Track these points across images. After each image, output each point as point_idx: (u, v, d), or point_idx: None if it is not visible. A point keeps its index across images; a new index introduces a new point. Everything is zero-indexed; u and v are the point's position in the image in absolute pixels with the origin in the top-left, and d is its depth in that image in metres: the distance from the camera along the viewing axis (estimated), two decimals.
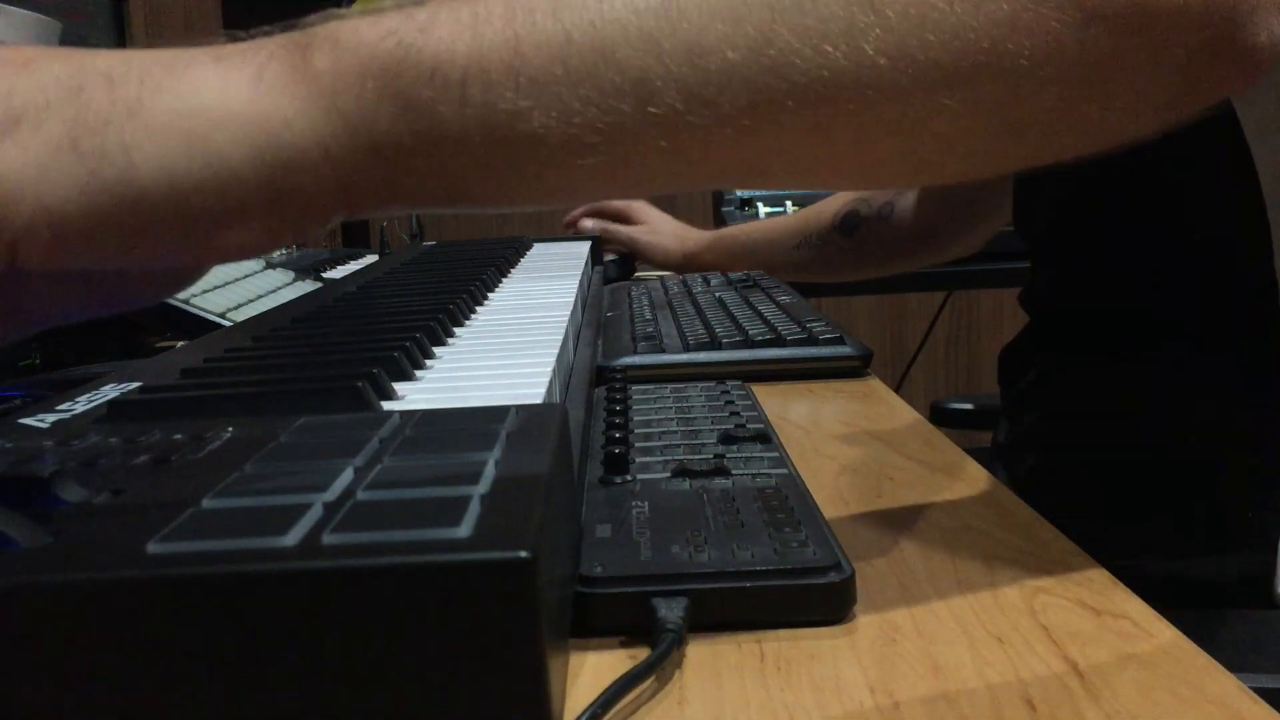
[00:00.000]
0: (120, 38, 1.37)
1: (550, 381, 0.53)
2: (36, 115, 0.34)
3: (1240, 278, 0.73)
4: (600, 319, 0.95)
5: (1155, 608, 0.39)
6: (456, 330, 0.70)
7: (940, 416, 1.50)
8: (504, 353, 0.62)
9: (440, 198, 0.38)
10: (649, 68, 0.36)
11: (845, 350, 0.80)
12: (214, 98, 0.35)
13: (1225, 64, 0.39)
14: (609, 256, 1.32)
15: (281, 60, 0.36)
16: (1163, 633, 0.37)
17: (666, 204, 2.67)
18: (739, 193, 1.74)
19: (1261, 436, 0.73)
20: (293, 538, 0.29)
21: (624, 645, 0.38)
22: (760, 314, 0.90)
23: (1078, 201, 0.84)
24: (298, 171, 0.36)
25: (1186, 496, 0.76)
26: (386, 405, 0.50)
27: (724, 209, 1.72)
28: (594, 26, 0.36)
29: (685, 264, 1.33)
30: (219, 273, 1.08)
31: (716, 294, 1.04)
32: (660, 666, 0.35)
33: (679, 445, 0.54)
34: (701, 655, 0.37)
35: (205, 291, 0.99)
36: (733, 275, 1.16)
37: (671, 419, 0.60)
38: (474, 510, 0.31)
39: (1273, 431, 0.73)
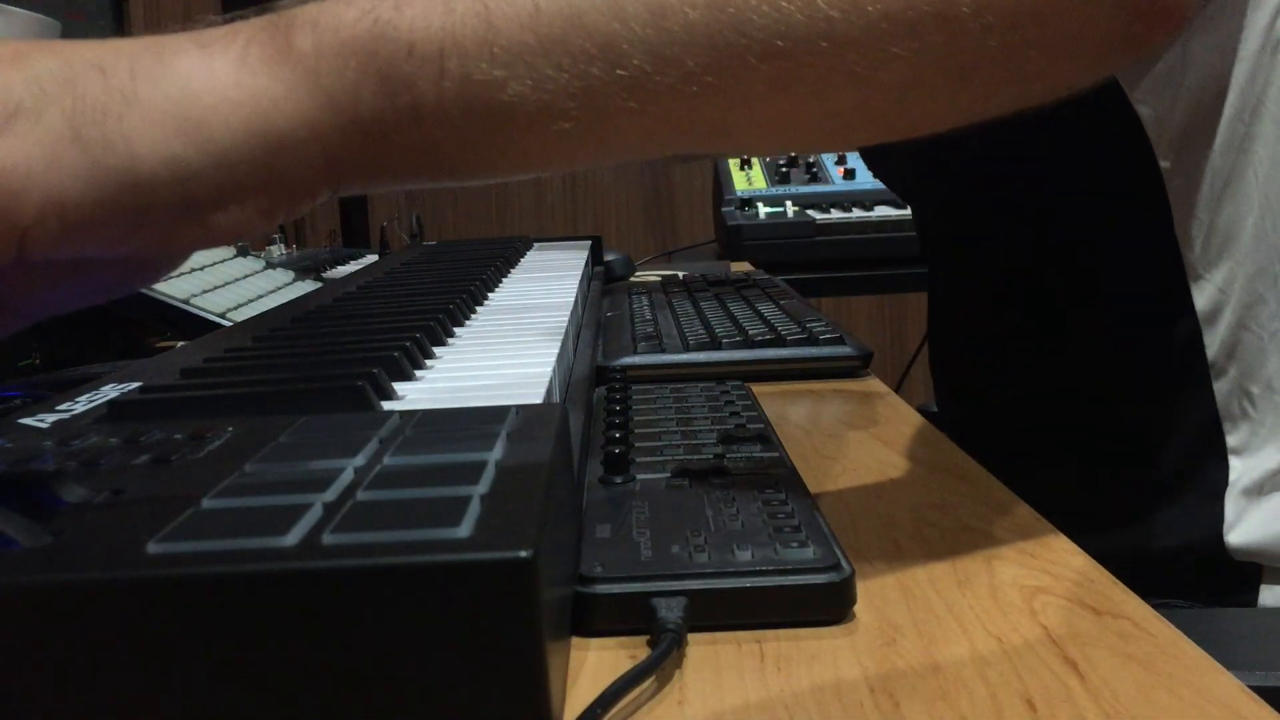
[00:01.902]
0: (120, 37, 1.37)
1: (550, 381, 0.53)
2: (34, 107, 0.35)
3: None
4: (600, 319, 0.95)
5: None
6: (456, 330, 0.70)
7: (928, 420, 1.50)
8: (504, 353, 0.62)
9: (425, 171, 0.40)
10: (615, 31, 0.38)
11: (845, 350, 0.80)
12: (203, 83, 0.36)
13: (1152, 9, 0.41)
14: (609, 256, 1.32)
15: (263, 43, 0.37)
16: (1163, 632, 0.37)
17: (666, 204, 2.67)
18: (739, 192, 1.74)
19: (1198, 393, 0.74)
20: (293, 538, 0.29)
21: (624, 645, 0.38)
22: (760, 314, 0.90)
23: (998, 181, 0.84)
24: (287, 150, 0.37)
25: (1134, 460, 0.76)
26: (386, 405, 0.50)
27: (724, 208, 1.72)
28: None
29: None
30: (219, 273, 1.08)
31: (716, 294, 1.05)
32: (660, 666, 0.35)
33: (679, 445, 0.54)
34: (701, 655, 0.37)
35: (205, 292, 0.99)
36: (733, 276, 1.16)
37: (671, 419, 0.60)
38: (474, 510, 0.31)
39: (1204, 389, 0.73)
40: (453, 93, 0.38)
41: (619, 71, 0.38)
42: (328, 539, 0.29)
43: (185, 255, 0.42)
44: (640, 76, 0.38)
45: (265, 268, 1.18)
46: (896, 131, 0.44)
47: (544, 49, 0.38)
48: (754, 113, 0.41)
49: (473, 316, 0.77)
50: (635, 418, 0.61)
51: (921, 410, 1.23)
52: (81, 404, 0.51)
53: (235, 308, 0.99)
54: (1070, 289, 0.79)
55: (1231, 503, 0.72)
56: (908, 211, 1.67)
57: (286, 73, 0.37)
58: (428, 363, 0.59)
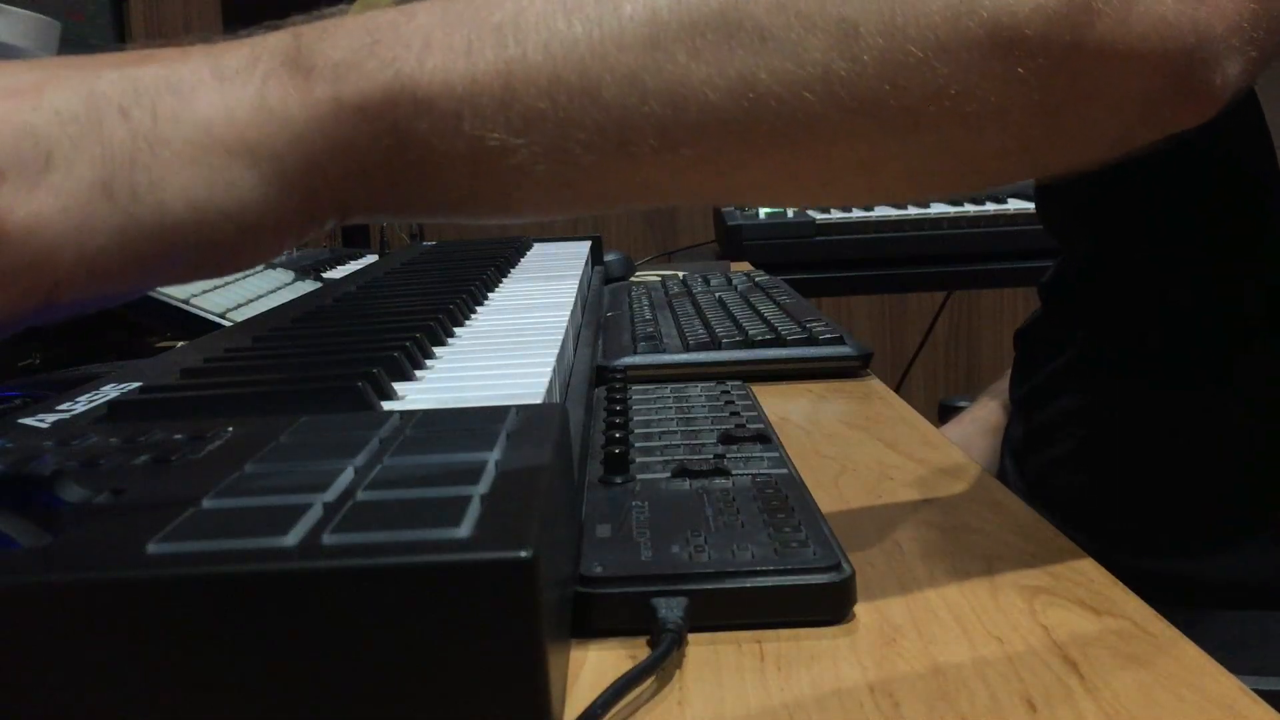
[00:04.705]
0: (120, 38, 1.36)
1: (550, 381, 0.53)
2: (64, 157, 0.35)
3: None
4: (600, 319, 0.95)
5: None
6: (456, 330, 0.70)
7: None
8: (504, 353, 0.62)
9: (428, 213, 0.41)
10: (631, 107, 0.37)
11: (845, 350, 0.80)
12: (224, 125, 0.36)
13: (1181, 104, 0.40)
14: (609, 256, 1.32)
15: (282, 81, 0.37)
16: (1163, 633, 0.37)
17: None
18: None
19: None
20: (293, 538, 0.29)
21: (624, 645, 0.38)
22: (760, 314, 0.90)
23: (1113, 188, 0.82)
24: (300, 193, 0.37)
25: (1227, 492, 0.75)
26: (386, 405, 0.50)
27: (724, 208, 1.72)
28: (582, 62, 0.37)
29: None
30: None
31: (716, 294, 1.04)
32: (660, 666, 0.35)
33: (679, 445, 0.54)
34: (701, 655, 0.37)
35: (205, 291, 0.99)
36: (733, 276, 1.16)
37: (671, 419, 0.60)
38: (474, 510, 0.31)
39: None
40: (464, 153, 0.38)
41: (631, 149, 0.38)
42: (328, 539, 0.29)
43: None
44: (650, 154, 0.38)
45: (265, 268, 1.17)
46: (901, 202, 0.44)
47: (559, 119, 0.37)
48: (758, 189, 0.41)
49: (473, 316, 0.77)
50: (635, 418, 0.60)
51: (944, 405, 1.21)
52: (81, 404, 0.51)
53: (235, 308, 0.99)
54: (1211, 301, 0.77)
55: None
56: (908, 211, 1.67)
57: (302, 116, 0.37)
58: (428, 363, 0.59)
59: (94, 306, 0.40)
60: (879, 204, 0.45)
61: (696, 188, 0.40)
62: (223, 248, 0.37)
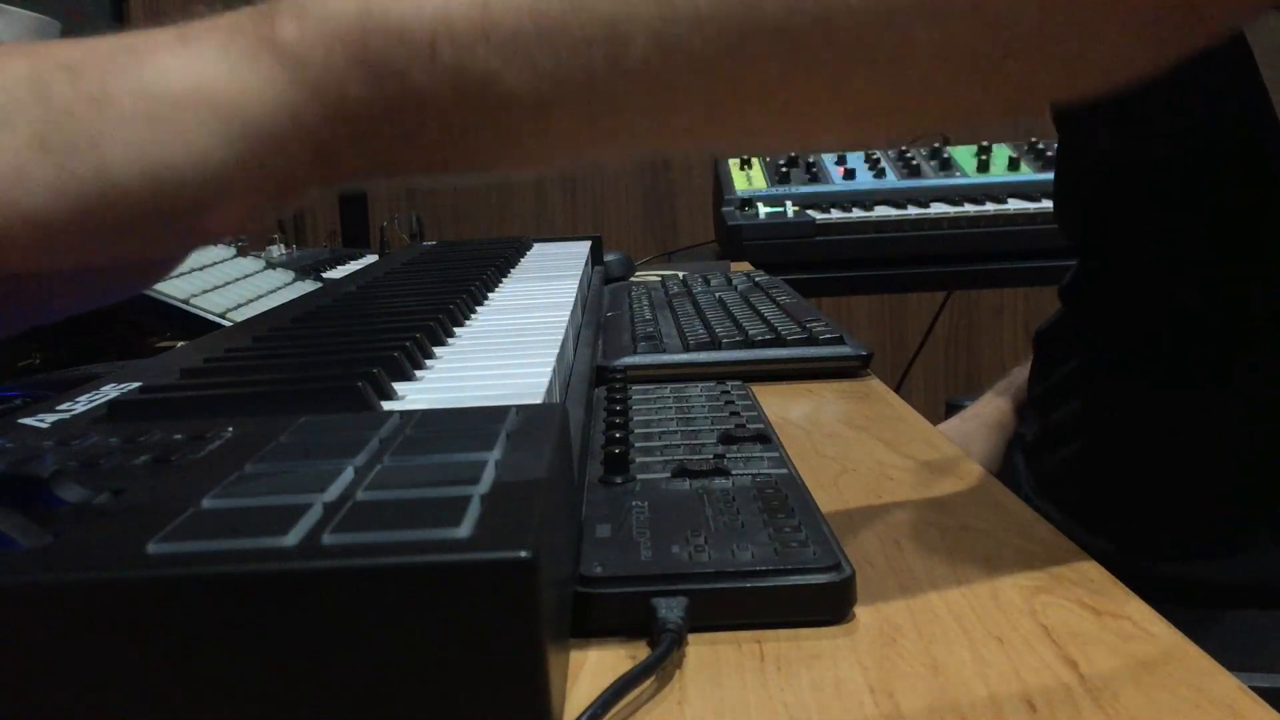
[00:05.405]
0: None
1: (550, 381, 0.53)
2: (4, 119, 0.34)
3: None
4: (600, 319, 0.95)
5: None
6: (456, 330, 0.70)
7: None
8: (504, 353, 0.62)
9: (417, 164, 0.38)
10: (619, 16, 0.36)
11: (845, 350, 0.80)
12: (178, 77, 0.35)
13: (1181, 20, 0.37)
14: (609, 256, 1.32)
15: (247, 33, 0.36)
16: (1163, 633, 0.37)
17: (666, 204, 2.67)
18: (739, 192, 1.74)
19: None
20: (293, 538, 0.29)
21: (624, 645, 0.38)
22: (760, 314, 0.90)
23: (1124, 187, 0.82)
24: (271, 146, 0.35)
25: (1230, 499, 0.75)
26: (386, 405, 0.50)
27: (724, 208, 1.72)
28: None
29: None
30: (219, 273, 1.08)
31: (716, 294, 1.04)
32: (660, 666, 0.35)
33: (679, 445, 0.54)
34: (701, 655, 0.37)
35: (205, 292, 0.99)
36: (733, 276, 1.16)
37: (671, 419, 0.60)
38: (474, 510, 0.31)
39: None
40: (446, 83, 0.35)
41: (623, 63, 0.36)
42: (327, 539, 0.29)
43: (181, 257, 0.42)
44: (644, 66, 0.36)
45: (265, 268, 1.18)
46: (927, 123, 0.41)
47: (543, 38, 0.35)
48: (767, 104, 0.38)
49: (473, 316, 0.77)
50: (635, 418, 0.61)
51: (950, 404, 1.22)
52: (81, 404, 0.51)
53: (235, 308, 0.99)
54: (1225, 314, 0.76)
55: None
56: (909, 211, 1.67)
57: (268, 62, 0.35)
58: (428, 363, 0.59)
59: (85, 302, 0.40)
60: (901, 126, 0.42)
61: (702, 106, 0.38)
62: (184, 211, 0.35)
